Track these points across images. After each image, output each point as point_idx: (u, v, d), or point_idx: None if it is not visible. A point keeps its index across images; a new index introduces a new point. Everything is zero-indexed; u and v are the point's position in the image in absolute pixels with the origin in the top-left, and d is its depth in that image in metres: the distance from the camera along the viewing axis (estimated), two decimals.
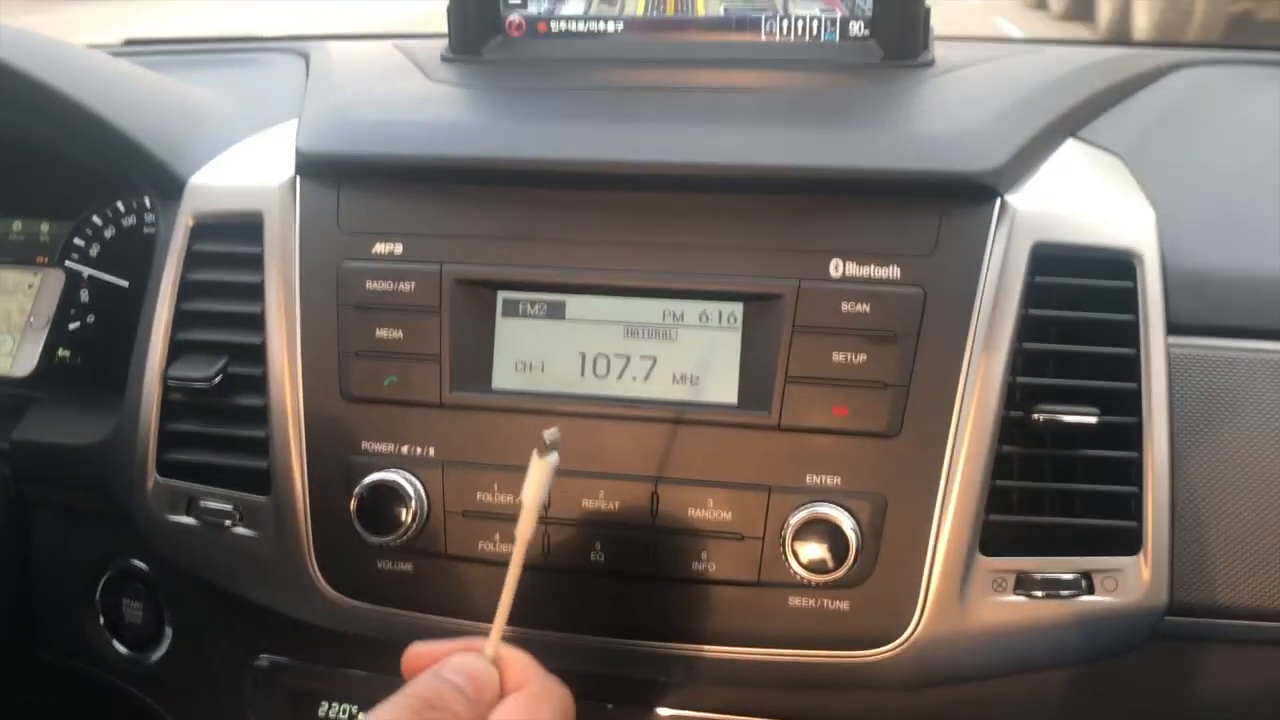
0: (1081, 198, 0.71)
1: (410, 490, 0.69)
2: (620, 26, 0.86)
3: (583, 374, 0.70)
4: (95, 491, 0.83)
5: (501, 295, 0.71)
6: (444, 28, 0.89)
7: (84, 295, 0.97)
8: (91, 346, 0.97)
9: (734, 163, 0.69)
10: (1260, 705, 0.70)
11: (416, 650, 0.56)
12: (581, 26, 0.87)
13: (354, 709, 0.79)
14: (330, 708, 0.80)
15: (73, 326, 0.97)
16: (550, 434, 0.56)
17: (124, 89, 0.86)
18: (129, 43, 1.17)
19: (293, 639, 0.80)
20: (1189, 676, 0.70)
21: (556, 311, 0.71)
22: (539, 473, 0.56)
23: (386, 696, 0.51)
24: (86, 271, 0.98)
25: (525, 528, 0.56)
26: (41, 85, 0.79)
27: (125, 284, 0.96)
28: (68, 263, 0.97)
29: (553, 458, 0.56)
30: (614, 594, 0.68)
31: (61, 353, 0.97)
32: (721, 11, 0.85)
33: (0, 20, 0.82)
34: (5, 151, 0.94)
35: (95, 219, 0.97)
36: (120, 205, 0.97)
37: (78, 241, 0.98)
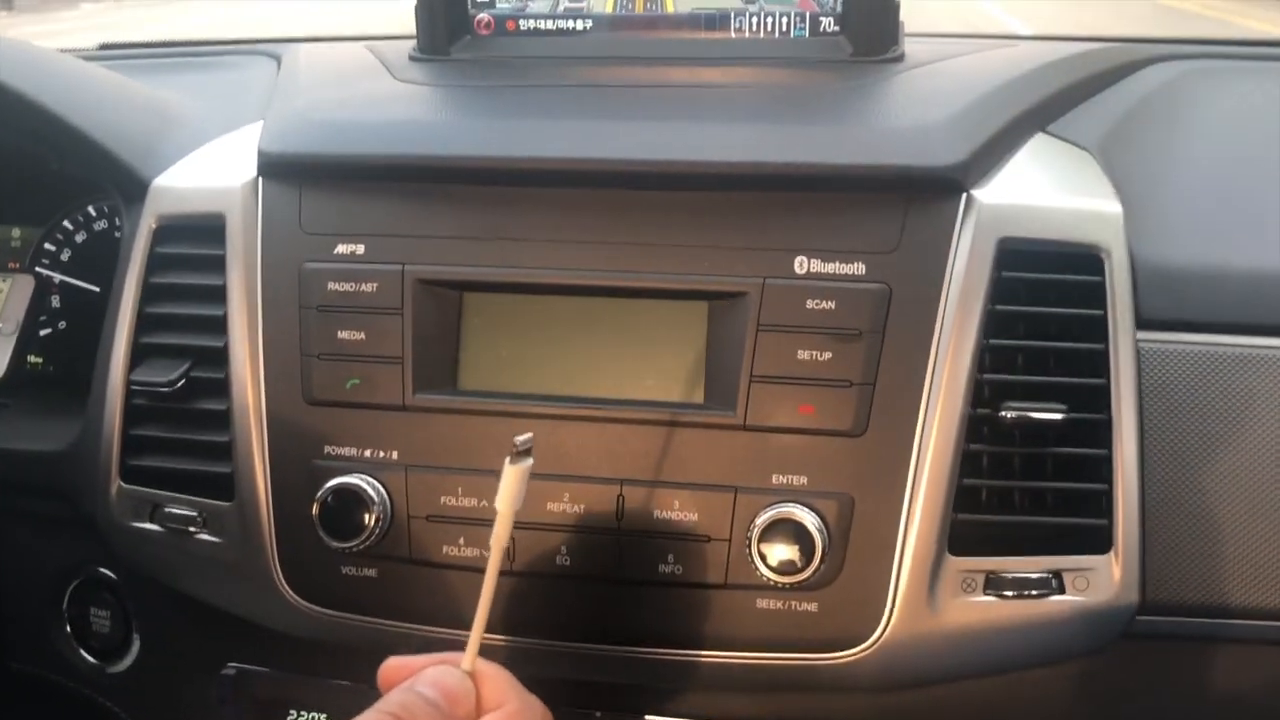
0: (1049, 192, 0.70)
1: (373, 494, 0.68)
2: (589, 25, 0.86)
3: (548, 374, 0.69)
4: (61, 499, 0.82)
5: (465, 296, 0.70)
6: None
7: (55, 301, 0.97)
8: (62, 352, 0.96)
9: (698, 159, 0.68)
10: (1231, 704, 0.69)
11: (392, 664, 0.55)
12: (550, 25, 0.86)
13: (322, 717, 0.78)
14: (299, 716, 0.79)
15: (43, 332, 0.96)
16: (522, 439, 0.55)
17: (89, 91, 0.86)
18: (104, 46, 1.16)
19: (260, 647, 0.79)
20: (1161, 676, 0.70)
21: (521, 312, 0.70)
22: (512, 479, 0.55)
23: (354, 704, 0.50)
24: (57, 277, 0.97)
25: (500, 536, 0.55)
26: (4, 88, 0.78)
27: (96, 289, 0.95)
28: (38, 268, 0.97)
29: (526, 463, 0.55)
30: (581, 599, 0.68)
31: (32, 359, 0.96)
32: (690, 9, 0.85)
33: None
34: None
35: (66, 224, 0.97)
36: (91, 210, 0.96)
37: (48, 247, 0.97)
